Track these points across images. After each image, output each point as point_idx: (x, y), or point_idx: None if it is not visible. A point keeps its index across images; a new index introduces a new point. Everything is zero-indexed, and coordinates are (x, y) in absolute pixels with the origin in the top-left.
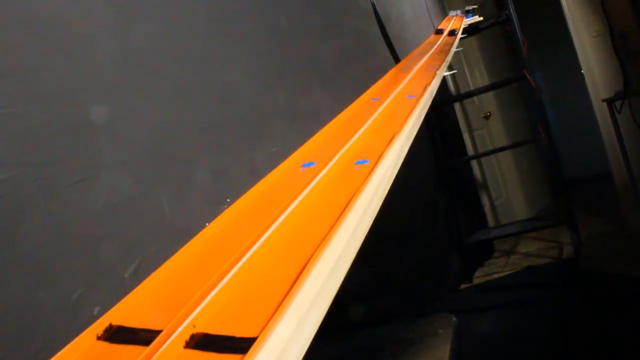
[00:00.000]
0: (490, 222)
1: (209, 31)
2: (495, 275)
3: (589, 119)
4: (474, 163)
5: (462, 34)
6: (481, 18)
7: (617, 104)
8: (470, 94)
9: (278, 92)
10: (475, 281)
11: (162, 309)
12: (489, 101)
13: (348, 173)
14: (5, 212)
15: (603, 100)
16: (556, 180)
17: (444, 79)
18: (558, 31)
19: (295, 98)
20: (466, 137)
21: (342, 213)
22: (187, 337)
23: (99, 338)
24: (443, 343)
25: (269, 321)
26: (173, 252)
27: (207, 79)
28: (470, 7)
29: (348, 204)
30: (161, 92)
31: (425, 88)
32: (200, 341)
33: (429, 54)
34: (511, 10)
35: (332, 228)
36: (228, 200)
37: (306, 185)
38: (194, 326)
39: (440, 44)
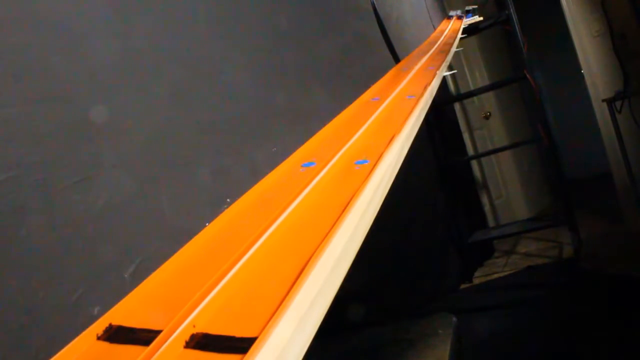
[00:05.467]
0: (490, 222)
1: (208, 31)
2: (495, 275)
3: (589, 119)
4: (474, 163)
5: (462, 34)
6: (481, 18)
7: (617, 104)
8: (470, 94)
9: (278, 92)
10: (475, 281)
11: (162, 309)
12: (489, 101)
13: (348, 173)
14: (5, 212)
15: (603, 100)
16: (556, 180)
17: (444, 79)
18: (558, 31)
19: (295, 98)
20: (466, 137)
21: (342, 213)
22: (187, 337)
23: (99, 338)
24: (443, 343)
25: (269, 321)
26: (173, 252)
27: (207, 79)
28: (470, 7)
29: (348, 204)
30: (161, 92)
31: (425, 88)
32: (200, 341)
33: (429, 54)
34: (511, 10)
35: (332, 228)
36: (228, 200)
37: (306, 185)
38: (194, 326)
39: (440, 43)
